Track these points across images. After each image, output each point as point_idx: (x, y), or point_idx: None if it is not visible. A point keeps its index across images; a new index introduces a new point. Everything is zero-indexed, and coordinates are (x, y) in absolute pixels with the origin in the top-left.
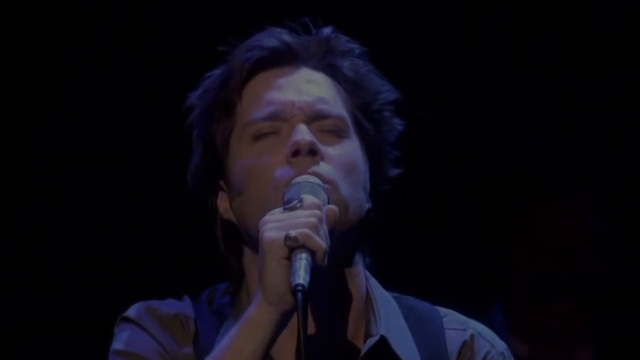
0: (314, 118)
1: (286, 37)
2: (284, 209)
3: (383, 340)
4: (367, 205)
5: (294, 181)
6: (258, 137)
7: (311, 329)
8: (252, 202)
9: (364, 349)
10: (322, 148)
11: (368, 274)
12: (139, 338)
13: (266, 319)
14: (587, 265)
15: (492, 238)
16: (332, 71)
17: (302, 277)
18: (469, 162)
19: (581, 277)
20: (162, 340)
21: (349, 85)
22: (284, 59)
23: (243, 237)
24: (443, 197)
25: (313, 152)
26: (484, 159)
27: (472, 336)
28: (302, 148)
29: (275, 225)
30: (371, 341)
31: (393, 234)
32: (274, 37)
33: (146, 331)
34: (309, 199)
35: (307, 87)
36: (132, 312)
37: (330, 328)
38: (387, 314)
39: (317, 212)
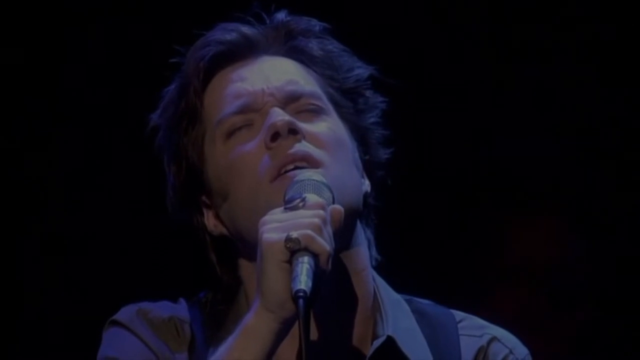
0: (287, 101)
1: (241, 28)
2: (285, 208)
3: (391, 341)
4: (365, 188)
5: (296, 179)
6: (231, 133)
7: (315, 331)
8: (240, 202)
9: (370, 350)
10: (303, 126)
11: (375, 274)
12: (129, 344)
13: (265, 327)
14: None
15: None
16: (297, 54)
17: (303, 282)
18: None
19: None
20: (153, 346)
21: (318, 65)
22: (242, 51)
23: (238, 248)
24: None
25: (293, 131)
26: (456, 168)
27: (489, 341)
28: (281, 129)
29: (275, 226)
30: (377, 342)
31: None
32: (227, 30)
33: (137, 336)
34: (312, 198)
35: (273, 73)
36: (122, 315)
37: (335, 330)
38: (396, 315)
39: (320, 212)
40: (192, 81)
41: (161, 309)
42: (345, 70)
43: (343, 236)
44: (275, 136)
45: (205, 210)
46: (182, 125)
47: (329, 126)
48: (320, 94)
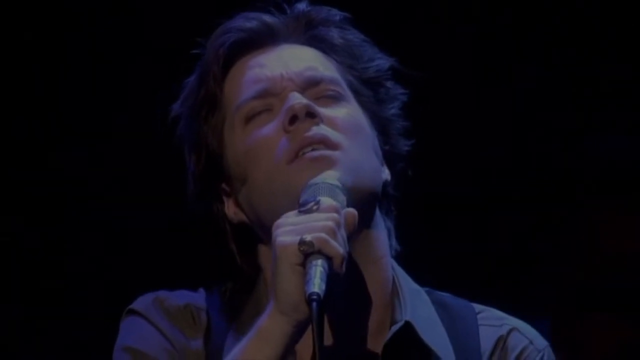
0: (307, 86)
1: (262, 16)
2: (299, 211)
3: (409, 327)
4: (384, 176)
5: (310, 182)
6: (250, 118)
7: (332, 318)
8: (257, 186)
9: (388, 335)
10: (321, 111)
11: (395, 263)
12: (146, 333)
13: (279, 330)
14: None
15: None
16: (317, 42)
17: (317, 285)
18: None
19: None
20: (169, 334)
21: (338, 53)
22: (262, 39)
23: (257, 235)
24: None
25: (311, 115)
26: (545, 159)
27: (509, 331)
28: (299, 112)
29: (289, 229)
30: (395, 327)
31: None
32: (248, 19)
33: (153, 325)
34: (326, 201)
35: (293, 59)
36: (139, 304)
37: (353, 316)
38: (415, 304)
39: (334, 215)
40: (212, 68)
41: (178, 297)
42: (366, 60)
43: (362, 220)
44: (293, 119)
45: (225, 199)
46: (202, 113)
47: (347, 111)
48: (340, 80)
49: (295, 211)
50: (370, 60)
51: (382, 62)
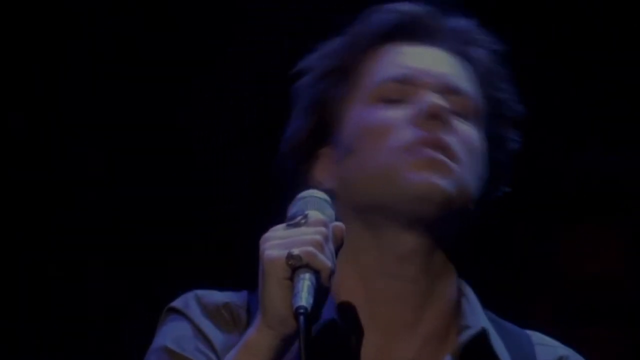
0: (446, 91)
1: (425, 11)
2: (287, 225)
3: (483, 334)
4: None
5: (299, 196)
6: (382, 98)
7: (398, 323)
8: (364, 161)
9: (462, 338)
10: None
11: (463, 283)
12: (185, 334)
13: (265, 344)
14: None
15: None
16: (469, 59)
17: (304, 299)
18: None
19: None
20: (207, 332)
21: (483, 79)
22: (420, 31)
23: (338, 210)
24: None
25: (446, 121)
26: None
27: (567, 356)
28: (441, 112)
29: (277, 243)
30: (470, 331)
31: None
32: (415, 6)
33: (192, 323)
34: (314, 215)
35: (442, 63)
36: (179, 302)
37: (419, 322)
38: (479, 316)
39: (322, 229)
40: (361, 40)
41: (218, 296)
42: (504, 93)
43: (448, 235)
44: (429, 116)
45: (319, 161)
46: (334, 76)
47: (474, 134)
48: (477, 100)
49: (284, 224)
50: (507, 96)
51: (516, 104)
